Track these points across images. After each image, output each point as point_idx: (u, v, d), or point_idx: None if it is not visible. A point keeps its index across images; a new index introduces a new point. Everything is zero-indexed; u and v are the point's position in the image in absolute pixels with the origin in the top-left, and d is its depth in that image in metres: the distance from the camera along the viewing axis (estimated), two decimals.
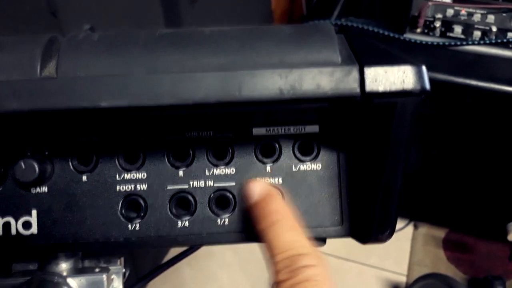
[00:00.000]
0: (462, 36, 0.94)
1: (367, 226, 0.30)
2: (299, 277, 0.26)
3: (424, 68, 0.26)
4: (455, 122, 1.03)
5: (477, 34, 0.93)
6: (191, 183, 0.31)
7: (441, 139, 1.07)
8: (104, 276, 0.35)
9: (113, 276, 0.38)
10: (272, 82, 0.25)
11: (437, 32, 0.95)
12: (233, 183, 0.32)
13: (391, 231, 0.30)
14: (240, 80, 0.25)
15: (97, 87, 0.24)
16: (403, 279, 1.26)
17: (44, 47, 0.26)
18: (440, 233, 1.34)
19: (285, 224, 0.28)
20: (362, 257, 1.25)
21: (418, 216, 1.35)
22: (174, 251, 0.49)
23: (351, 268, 1.25)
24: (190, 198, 0.31)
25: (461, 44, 0.93)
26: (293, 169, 0.32)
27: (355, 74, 0.25)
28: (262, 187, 0.30)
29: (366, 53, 0.26)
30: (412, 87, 0.25)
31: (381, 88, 0.25)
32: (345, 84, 0.25)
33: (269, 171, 0.32)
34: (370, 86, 0.25)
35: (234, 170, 0.32)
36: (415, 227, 1.35)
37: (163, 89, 0.25)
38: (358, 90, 0.25)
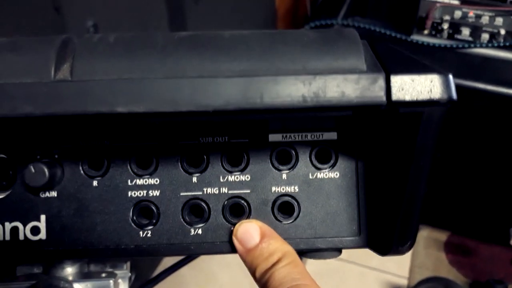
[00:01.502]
0: (470, 39, 0.93)
1: (387, 237, 0.29)
2: None
3: (451, 77, 0.25)
4: (461, 125, 1.03)
5: (485, 36, 0.93)
6: (205, 190, 0.31)
7: (446, 142, 1.06)
8: (111, 281, 0.34)
9: (119, 281, 0.37)
10: (295, 89, 0.24)
11: (445, 34, 0.94)
12: (248, 191, 0.31)
13: (412, 242, 0.29)
14: (262, 86, 0.24)
15: (113, 92, 0.23)
16: (404, 282, 1.25)
17: (59, 48, 0.25)
18: (442, 236, 1.34)
19: (287, 260, 0.28)
20: (364, 259, 1.25)
21: (420, 218, 1.34)
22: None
23: (352, 270, 1.24)
24: (204, 205, 0.31)
25: (469, 47, 0.92)
26: (310, 177, 0.31)
27: (381, 82, 0.24)
28: (258, 228, 0.29)
29: (391, 60, 0.25)
30: (439, 97, 0.24)
31: (407, 97, 0.24)
32: (371, 92, 0.24)
33: (285, 178, 0.31)
34: (396, 95, 0.24)
35: (249, 177, 0.31)
36: None
37: (182, 95, 0.24)
38: (384, 98, 0.24)
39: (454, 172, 1.16)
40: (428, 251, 1.31)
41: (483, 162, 1.10)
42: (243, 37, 0.26)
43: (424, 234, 1.34)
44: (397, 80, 0.24)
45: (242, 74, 0.24)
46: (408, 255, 1.30)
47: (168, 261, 0.49)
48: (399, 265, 1.27)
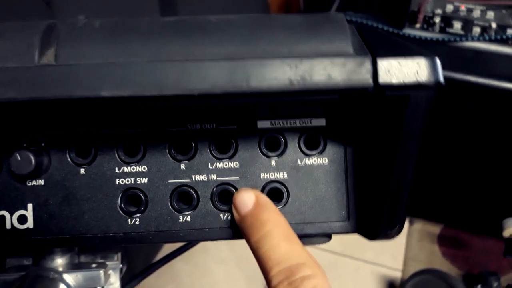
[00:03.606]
0: (462, 32, 0.93)
1: (376, 221, 0.29)
2: None
3: (437, 60, 0.25)
4: (453, 118, 1.03)
5: (476, 30, 0.93)
6: (193, 177, 0.30)
7: (438, 135, 1.07)
8: (101, 272, 0.34)
9: (110, 272, 0.37)
10: (282, 72, 0.24)
11: (437, 27, 0.94)
12: (236, 177, 0.31)
13: (400, 227, 0.29)
14: (248, 70, 0.24)
15: (98, 76, 0.23)
16: (398, 275, 1.26)
17: (43, 33, 0.25)
18: (435, 229, 1.34)
19: (280, 233, 0.27)
20: (358, 253, 1.25)
21: (413, 211, 1.34)
22: (169, 247, 0.48)
23: (346, 263, 1.25)
24: (192, 192, 0.30)
25: (461, 40, 0.92)
26: (299, 163, 0.31)
27: (368, 65, 0.24)
28: (252, 196, 0.29)
29: (378, 44, 0.25)
30: (426, 80, 0.24)
31: (394, 80, 0.24)
32: (357, 76, 0.24)
33: (274, 165, 0.31)
34: (383, 78, 0.24)
35: (237, 164, 0.31)
36: (411, 222, 1.35)
37: (167, 79, 0.23)
38: (371, 81, 0.24)
39: (447, 165, 1.16)
40: (421, 244, 1.32)
41: (475, 155, 1.10)
42: (230, 21, 0.26)
43: (417, 227, 1.34)
44: (383, 63, 0.24)
45: (228, 58, 0.24)
46: (401, 248, 1.30)
47: (162, 254, 0.49)
48: (393, 258, 1.28)
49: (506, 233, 1.05)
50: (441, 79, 0.25)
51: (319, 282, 0.25)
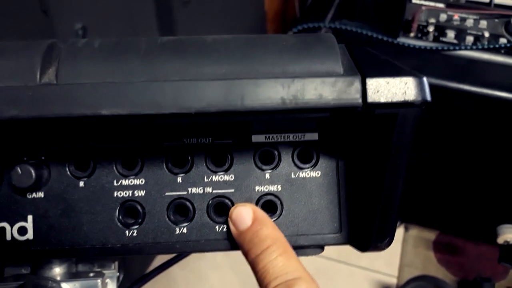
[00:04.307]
0: (455, 41, 0.95)
1: (366, 234, 0.30)
2: None
3: (425, 79, 0.26)
4: (447, 126, 1.04)
5: (469, 39, 0.94)
6: (189, 189, 0.31)
7: (433, 142, 1.08)
8: (99, 281, 0.35)
9: (107, 280, 0.37)
10: (275, 91, 0.25)
11: (430, 36, 0.96)
12: (231, 190, 0.31)
13: (390, 239, 0.30)
14: (243, 89, 0.25)
15: (97, 95, 0.24)
16: (393, 281, 1.26)
17: (44, 53, 0.25)
18: (431, 235, 1.35)
19: (278, 249, 0.28)
20: (353, 259, 1.26)
21: (408, 218, 1.35)
22: (165, 255, 0.48)
23: (341, 269, 1.25)
24: (189, 204, 0.31)
25: (454, 49, 0.94)
26: (292, 176, 0.32)
27: (357, 85, 0.25)
28: (250, 211, 0.30)
29: (368, 64, 0.26)
30: (413, 99, 0.25)
31: (382, 99, 0.25)
32: (347, 95, 0.25)
33: (268, 178, 0.32)
34: (372, 97, 0.25)
35: (233, 177, 0.31)
36: (406, 229, 1.36)
37: (165, 98, 0.24)
38: (360, 100, 0.25)
39: (441, 173, 1.17)
40: (417, 250, 1.33)
41: (469, 163, 1.11)
42: (225, 41, 0.27)
43: (413, 234, 1.35)
44: (372, 83, 0.25)
45: (223, 77, 0.25)
46: (397, 255, 1.31)
47: (158, 262, 0.50)
48: (388, 264, 1.28)
49: (501, 240, 1.06)
50: (428, 97, 0.26)
51: None
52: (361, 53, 0.27)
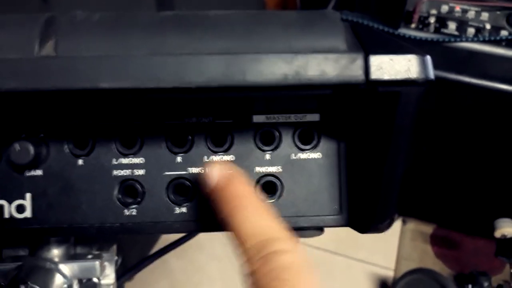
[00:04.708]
0: (456, 33, 0.94)
1: (367, 215, 0.30)
2: (273, 264, 0.23)
3: (428, 58, 0.26)
4: (446, 119, 1.04)
5: (471, 31, 0.94)
6: (189, 169, 0.31)
7: (431, 135, 1.08)
8: (97, 263, 0.35)
9: (105, 263, 0.37)
10: (277, 67, 0.24)
11: (431, 28, 0.95)
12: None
13: (391, 220, 0.30)
14: (245, 64, 0.24)
15: (97, 68, 0.24)
16: (390, 274, 1.27)
17: (43, 26, 0.25)
18: (428, 229, 1.36)
19: (251, 207, 0.25)
20: (350, 251, 1.26)
21: (406, 211, 1.36)
22: (162, 242, 0.48)
23: (339, 262, 1.25)
24: (188, 184, 0.31)
25: (455, 41, 0.93)
26: (293, 157, 0.32)
27: (360, 61, 0.25)
28: (221, 168, 0.28)
29: (371, 42, 0.26)
30: (416, 76, 0.25)
31: (386, 76, 0.25)
32: (349, 71, 0.25)
33: (269, 158, 0.31)
34: (375, 74, 0.25)
35: (233, 157, 0.31)
36: (404, 222, 1.36)
37: (165, 71, 0.24)
38: (363, 77, 0.25)
39: (440, 166, 1.17)
40: (414, 243, 1.33)
41: (468, 156, 1.11)
42: (227, 16, 0.26)
43: (410, 227, 1.35)
44: (375, 60, 0.25)
45: (225, 52, 0.25)
46: (394, 247, 1.31)
47: (156, 248, 0.50)
48: (385, 257, 1.29)
49: (498, 234, 1.06)
50: (431, 76, 0.25)
51: (293, 257, 0.23)
52: (365, 31, 0.27)
